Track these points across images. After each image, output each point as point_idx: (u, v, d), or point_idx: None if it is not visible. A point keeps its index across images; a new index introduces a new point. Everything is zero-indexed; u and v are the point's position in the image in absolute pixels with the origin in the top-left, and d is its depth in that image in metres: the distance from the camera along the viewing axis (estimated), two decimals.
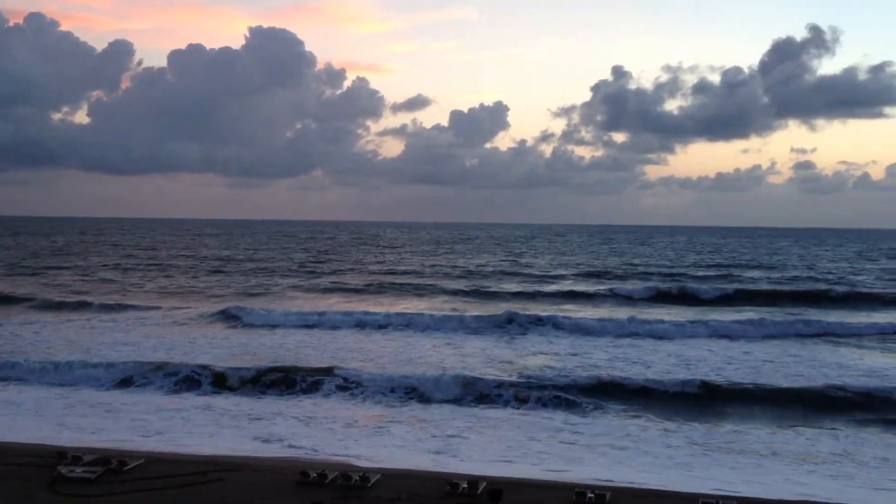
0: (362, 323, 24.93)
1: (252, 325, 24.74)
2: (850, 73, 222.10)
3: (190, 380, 16.44)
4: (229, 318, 25.64)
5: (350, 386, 15.98)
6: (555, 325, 24.31)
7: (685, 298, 32.20)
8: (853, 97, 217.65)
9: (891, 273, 46.34)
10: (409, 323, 24.80)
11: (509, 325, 24.30)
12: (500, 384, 15.83)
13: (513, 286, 36.70)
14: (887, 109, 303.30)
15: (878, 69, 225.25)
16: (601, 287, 35.86)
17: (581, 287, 36.09)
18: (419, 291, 34.72)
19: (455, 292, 34.09)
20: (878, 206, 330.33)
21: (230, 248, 68.99)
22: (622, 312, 27.26)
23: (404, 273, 43.93)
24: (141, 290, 34.38)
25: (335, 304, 30.09)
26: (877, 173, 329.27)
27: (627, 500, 9.25)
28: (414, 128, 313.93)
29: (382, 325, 24.67)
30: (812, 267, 51.08)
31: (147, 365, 17.33)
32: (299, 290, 35.40)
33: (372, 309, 27.78)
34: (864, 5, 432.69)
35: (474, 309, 28.23)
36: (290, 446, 11.99)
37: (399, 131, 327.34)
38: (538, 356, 19.54)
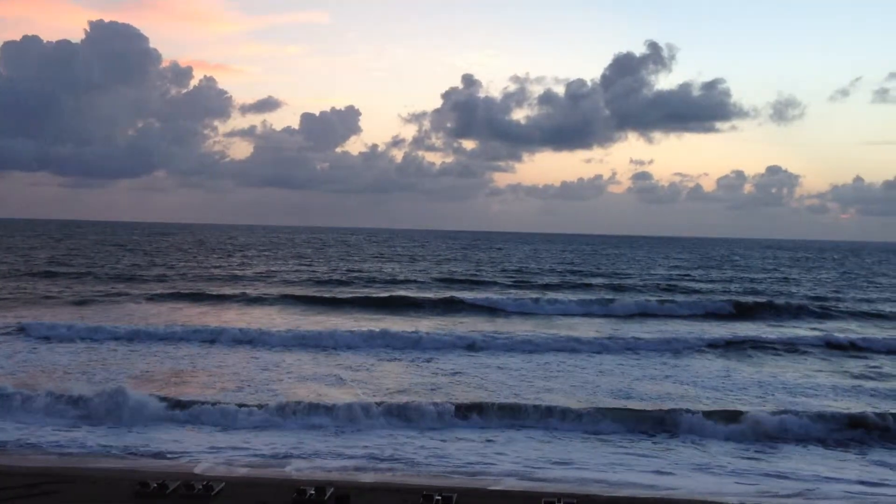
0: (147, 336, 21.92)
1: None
2: (684, 88, 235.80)
3: None
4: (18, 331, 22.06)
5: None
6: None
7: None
8: (687, 112, 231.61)
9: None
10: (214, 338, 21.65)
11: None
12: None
13: (348, 293, 35.54)
14: (718, 124, 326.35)
15: (710, 86, 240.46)
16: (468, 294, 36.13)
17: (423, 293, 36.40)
18: (250, 300, 32.32)
19: (299, 300, 32.49)
20: (708, 215, 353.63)
21: (47, 249, 64.85)
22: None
23: (232, 280, 41.20)
24: None
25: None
26: (708, 185, 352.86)
27: (475, 502, 9.58)
28: (263, 130, 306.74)
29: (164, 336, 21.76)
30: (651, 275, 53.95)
31: None
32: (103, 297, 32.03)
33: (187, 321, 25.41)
34: (698, 25, 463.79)
35: (307, 321, 26.95)
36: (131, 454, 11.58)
37: (248, 133, 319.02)
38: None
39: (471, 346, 21.51)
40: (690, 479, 10.99)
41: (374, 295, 34.29)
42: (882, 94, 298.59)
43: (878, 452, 12.73)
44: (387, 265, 57.55)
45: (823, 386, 17.64)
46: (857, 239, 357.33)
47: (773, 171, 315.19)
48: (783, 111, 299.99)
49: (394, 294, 34.66)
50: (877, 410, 14.50)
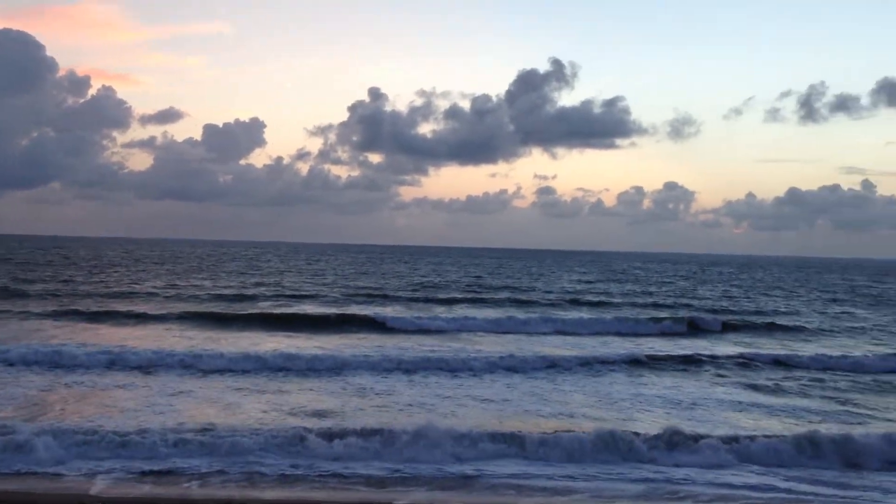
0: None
1: None
2: (586, 105, 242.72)
3: None
4: None
5: None
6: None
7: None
8: (589, 128, 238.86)
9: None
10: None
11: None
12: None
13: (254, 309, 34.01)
14: (619, 141, 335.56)
15: (611, 103, 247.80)
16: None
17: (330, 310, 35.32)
18: (144, 316, 29.95)
19: (198, 316, 30.41)
20: (610, 229, 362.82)
21: None
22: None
23: (127, 296, 38.63)
24: None
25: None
26: (609, 200, 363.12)
27: None
28: (164, 141, 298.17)
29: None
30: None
31: None
32: None
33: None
34: (600, 44, 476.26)
35: (204, 339, 25.99)
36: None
37: (148, 144, 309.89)
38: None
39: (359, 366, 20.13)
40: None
41: (275, 311, 32.99)
42: (773, 114, 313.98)
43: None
44: (289, 280, 55.99)
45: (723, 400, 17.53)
46: (749, 252, 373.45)
47: (671, 186, 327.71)
48: (680, 129, 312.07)
49: (288, 311, 33.18)
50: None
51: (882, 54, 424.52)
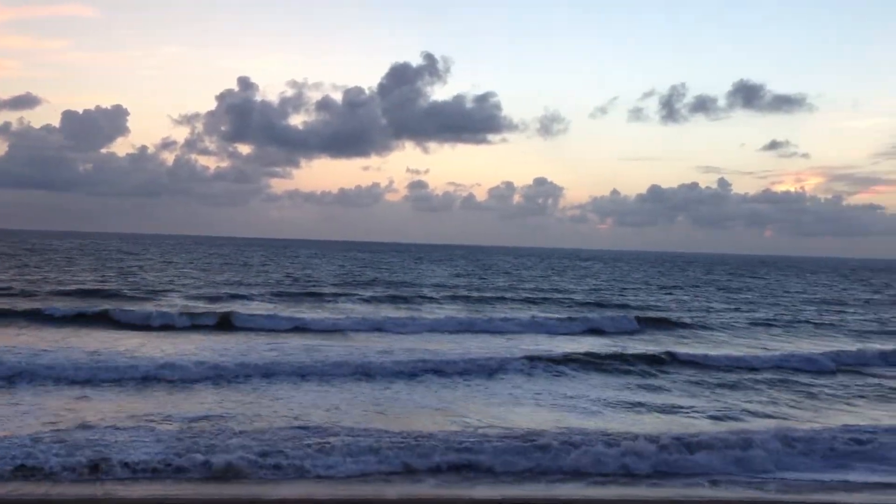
0: None
1: None
2: (458, 100, 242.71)
3: None
4: None
5: None
6: None
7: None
8: (461, 123, 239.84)
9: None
10: None
11: None
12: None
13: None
14: (490, 136, 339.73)
15: (482, 99, 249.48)
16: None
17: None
18: None
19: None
20: (481, 224, 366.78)
21: None
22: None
23: None
24: None
25: None
26: (480, 194, 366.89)
27: None
28: (20, 127, 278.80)
29: None
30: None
31: None
32: None
33: None
34: (472, 39, 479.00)
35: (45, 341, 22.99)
36: None
37: (2, 130, 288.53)
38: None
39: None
40: None
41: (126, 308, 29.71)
42: (636, 113, 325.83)
43: None
44: (142, 274, 51.93)
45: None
46: (614, 248, 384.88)
47: (540, 182, 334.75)
48: (549, 126, 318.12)
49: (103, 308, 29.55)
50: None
51: (738, 58, 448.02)
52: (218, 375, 17.38)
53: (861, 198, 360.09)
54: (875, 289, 71.32)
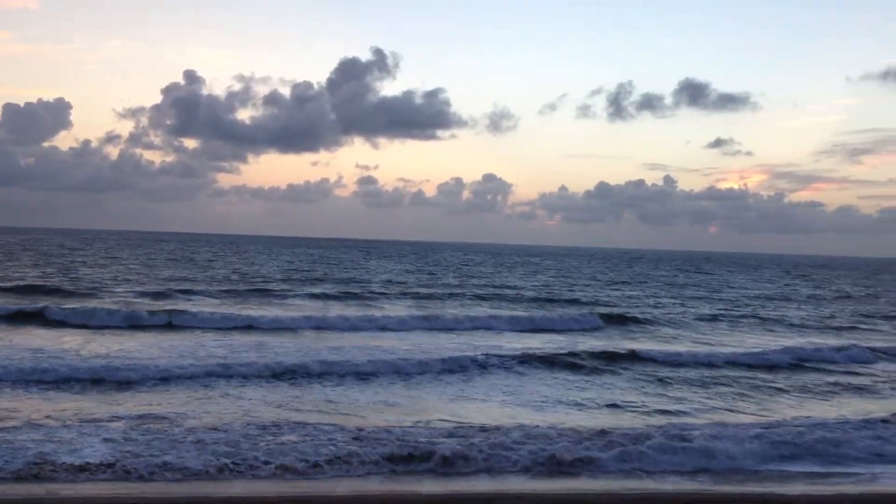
0: None
1: None
2: (408, 96, 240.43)
3: None
4: None
5: None
6: None
7: None
8: (411, 119, 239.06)
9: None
10: None
11: None
12: None
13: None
14: (439, 132, 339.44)
15: (432, 95, 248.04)
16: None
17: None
18: None
19: None
20: (430, 220, 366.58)
21: None
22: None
23: None
24: None
25: None
26: (430, 190, 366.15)
27: None
28: None
29: None
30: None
31: None
32: None
33: None
34: (421, 35, 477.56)
35: None
36: None
37: None
38: None
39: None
40: None
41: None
42: (584, 111, 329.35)
43: None
44: (86, 270, 50.80)
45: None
46: (563, 244, 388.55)
47: (489, 178, 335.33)
48: (498, 122, 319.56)
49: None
50: None
51: (684, 57, 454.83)
52: (165, 373, 17.13)
53: (802, 195, 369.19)
54: (816, 284, 73.29)
